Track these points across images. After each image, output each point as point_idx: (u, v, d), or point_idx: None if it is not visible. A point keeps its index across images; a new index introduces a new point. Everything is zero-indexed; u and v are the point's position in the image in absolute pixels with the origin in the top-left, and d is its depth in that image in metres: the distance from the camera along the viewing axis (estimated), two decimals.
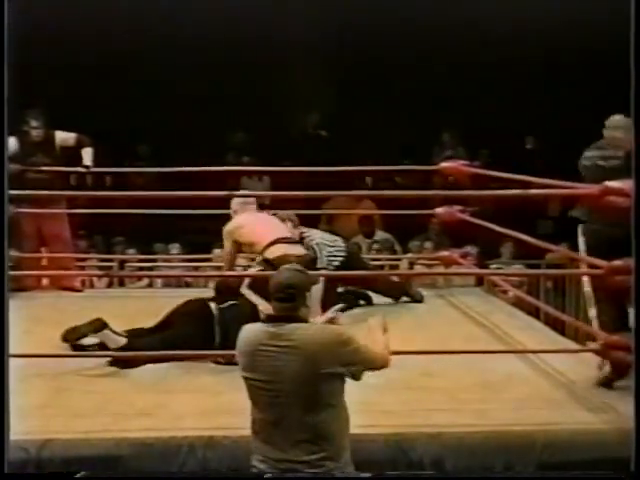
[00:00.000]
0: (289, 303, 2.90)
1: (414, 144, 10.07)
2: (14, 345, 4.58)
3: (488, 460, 3.52)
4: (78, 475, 3.19)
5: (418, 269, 7.58)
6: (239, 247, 5.55)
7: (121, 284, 7.73)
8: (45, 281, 6.74)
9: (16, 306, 5.75)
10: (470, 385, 4.15)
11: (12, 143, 6.35)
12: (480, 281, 6.85)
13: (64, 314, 5.56)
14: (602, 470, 3.41)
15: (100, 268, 7.66)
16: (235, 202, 5.65)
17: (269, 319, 2.94)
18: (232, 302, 4.81)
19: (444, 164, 6.60)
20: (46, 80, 9.63)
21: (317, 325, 2.98)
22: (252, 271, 5.37)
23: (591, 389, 4.12)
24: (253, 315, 4.53)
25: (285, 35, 10.31)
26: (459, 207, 6.39)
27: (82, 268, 7.57)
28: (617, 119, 4.25)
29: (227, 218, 5.61)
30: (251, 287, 5.03)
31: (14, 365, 4.11)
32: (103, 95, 10.33)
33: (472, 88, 10.53)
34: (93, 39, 10.13)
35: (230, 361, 4.37)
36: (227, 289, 4.93)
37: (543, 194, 5.24)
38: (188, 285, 7.67)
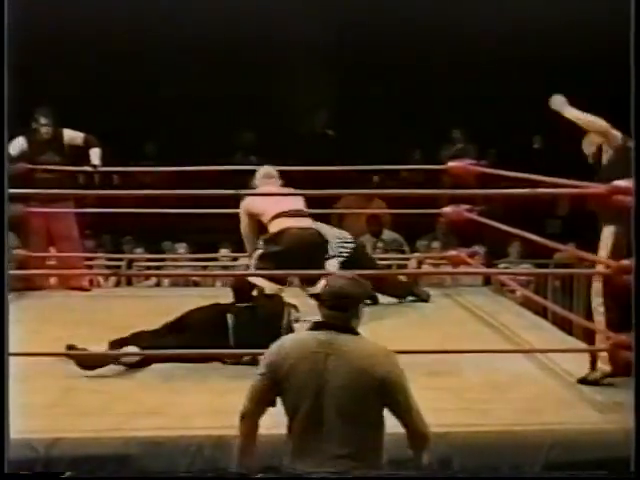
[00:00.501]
0: (342, 312, 2.81)
1: (421, 141, 10.10)
2: (22, 344, 4.61)
3: (495, 460, 3.52)
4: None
5: (426, 268, 7.58)
6: (255, 222, 5.40)
7: (129, 283, 7.75)
8: (53, 280, 6.76)
9: (25, 305, 5.81)
10: (477, 385, 4.15)
11: (21, 142, 6.38)
12: (488, 280, 6.85)
13: (73, 314, 5.58)
14: (610, 470, 3.41)
15: (108, 267, 7.68)
16: (257, 177, 5.63)
17: (319, 326, 2.84)
18: (247, 305, 4.72)
19: (451, 163, 6.59)
20: (46, 80, 9.67)
21: (369, 340, 2.89)
22: (259, 252, 5.21)
23: (599, 388, 4.12)
24: (270, 318, 4.51)
25: (287, 35, 10.33)
26: (467, 206, 6.38)
27: (90, 267, 7.59)
28: None
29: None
30: (259, 268, 4.99)
31: (22, 364, 4.13)
32: (111, 95, 10.37)
33: (475, 87, 10.54)
34: (96, 38, 10.16)
35: (238, 361, 4.38)
36: (242, 287, 4.81)
37: (551, 193, 5.24)
38: (196, 284, 7.68)
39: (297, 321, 4.63)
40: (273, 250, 5.06)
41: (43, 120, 6.50)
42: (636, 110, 3.02)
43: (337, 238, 5.79)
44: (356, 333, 2.83)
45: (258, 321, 4.50)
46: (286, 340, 2.91)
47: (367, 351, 2.80)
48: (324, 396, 2.76)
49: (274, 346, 2.89)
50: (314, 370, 2.76)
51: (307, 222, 5.30)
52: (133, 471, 3.44)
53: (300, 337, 2.90)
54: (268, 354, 2.88)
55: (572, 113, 4.41)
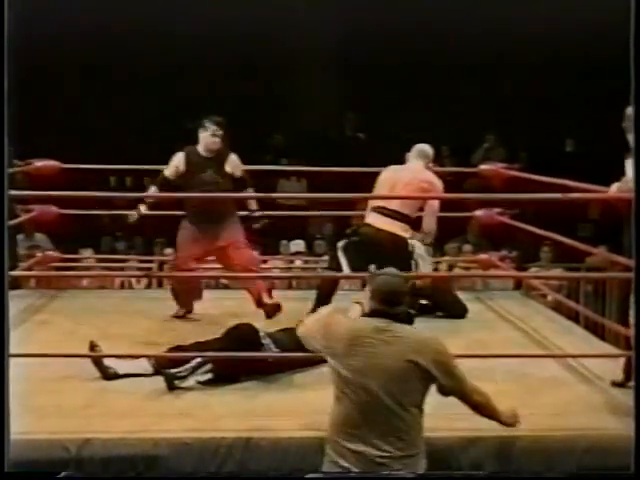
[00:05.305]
0: (394, 306, 3.11)
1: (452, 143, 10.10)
2: (58, 345, 4.64)
3: (527, 464, 3.50)
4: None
5: (457, 271, 7.54)
6: None
7: (160, 285, 7.78)
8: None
9: (57, 307, 5.87)
10: (509, 389, 4.12)
11: (177, 162, 5.46)
12: (519, 284, 6.80)
13: (105, 315, 5.59)
14: None
15: (140, 269, 7.71)
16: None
17: (373, 314, 3.12)
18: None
19: (483, 166, 6.57)
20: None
21: (419, 330, 3.24)
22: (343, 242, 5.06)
23: (631, 393, 4.07)
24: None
25: (317, 38, 10.36)
26: (498, 209, 6.35)
27: (122, 269, 7.64)
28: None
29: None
30: (346, 249, 4.96)
31: (56, 366, 4.17)
32: (139, 97, 10.45)
33: (507, 90, 10.52)
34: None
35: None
36: (327, 287, 4.86)
37: (582, 198, 5.19)
38: (225, 286, 7.69)
39: None
40: (351, 245, 5.00)
41: (213, 127, 5.46)
42: (636, 110, 2.99)
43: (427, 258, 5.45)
44: (409, 323, 3.19)
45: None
46: (345, 326, 3.17)
47: (417, 335, 3.12)
48: (373, 375, 3.02)
49: (334, 327, 3.18)
50: (366, 352, 3.05)
51: (390, 226, 4.95)
52: (163, 472, 3.45)
53: (358, 324, 3.17)
54: (324, 332, 3.19)
55: None
